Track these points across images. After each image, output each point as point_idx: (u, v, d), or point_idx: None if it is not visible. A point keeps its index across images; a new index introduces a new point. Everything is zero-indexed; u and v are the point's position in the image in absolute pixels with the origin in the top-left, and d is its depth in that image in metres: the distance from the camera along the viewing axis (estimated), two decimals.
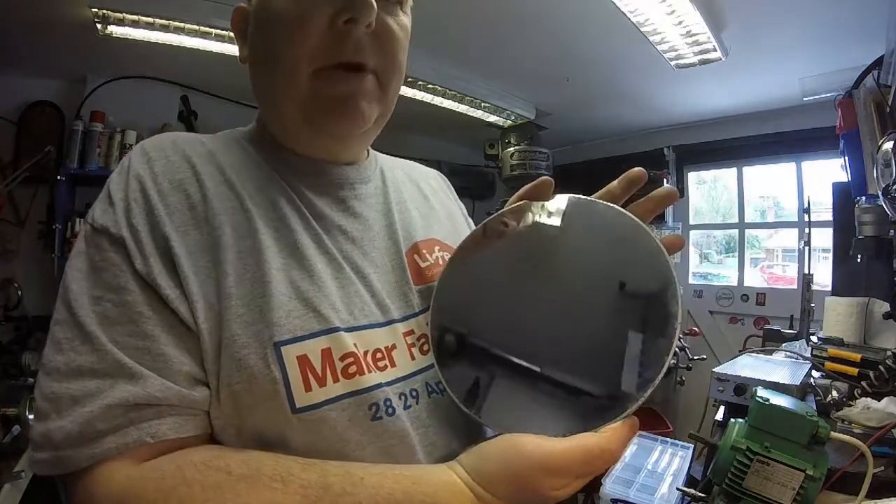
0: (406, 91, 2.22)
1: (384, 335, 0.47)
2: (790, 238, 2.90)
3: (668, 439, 1.85)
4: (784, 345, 1.69)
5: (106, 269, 0.42)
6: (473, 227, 0.68)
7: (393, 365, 0.47)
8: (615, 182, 0.51)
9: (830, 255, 2.11)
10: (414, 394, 0.47)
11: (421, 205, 0.62)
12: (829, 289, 2.00)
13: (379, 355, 0.46)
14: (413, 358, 0.48)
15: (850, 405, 1.11)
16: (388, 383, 0.45)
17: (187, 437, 0.39)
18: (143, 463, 0.38)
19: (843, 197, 1.82)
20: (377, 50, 0.48)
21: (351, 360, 0.43)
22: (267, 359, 0.40)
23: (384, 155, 0.64)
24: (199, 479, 0.36)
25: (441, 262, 0.56)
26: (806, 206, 2.23)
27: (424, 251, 0.56)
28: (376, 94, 0.50)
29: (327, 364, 0.42)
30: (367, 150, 0.60)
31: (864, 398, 1.12)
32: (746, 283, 2.94)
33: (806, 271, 2.10)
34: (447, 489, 0.39)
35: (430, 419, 0.47)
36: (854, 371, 1.22)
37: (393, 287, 0.51)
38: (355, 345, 0.44)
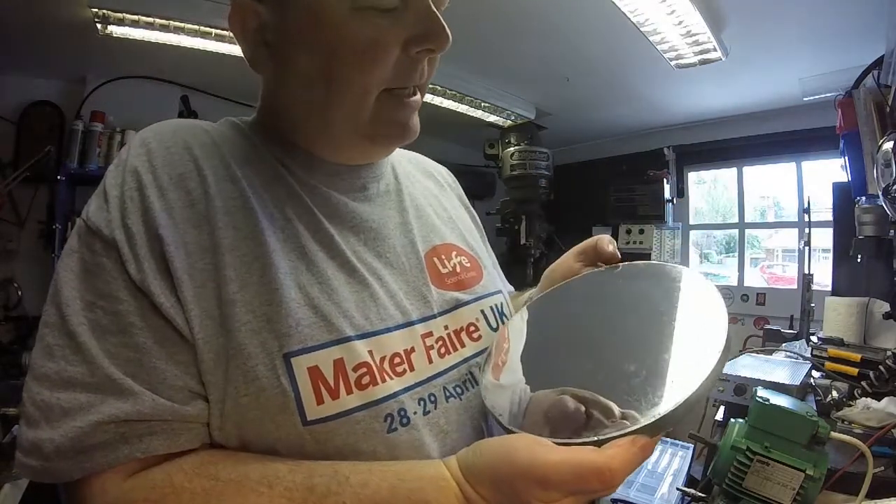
0: None
1: (402, 338, 0.46)
2: (790, 238, 2.89)
3: (668, 439, 1.84)
4: (784, 345, 1.69)
5: (98, 275, 0.40)
6: (480, 227, 0.68)
7: (412, 369, 0.46)
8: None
9: (830, 255, 2.11)
10: (433, 398, 0.46)
11: (435, 202, 0.62)
12: (829, 289, 2.00)
13: (397, 360, 0.45)
14: (431, 361, 0.47)
15: (850, 405, 1.12)
16: (406, 389, 0.44)
17: (180, 452, 0.39)
18: (134, 474, 0.37)
19: (843, 197, 1.82)
20: (430, 70, 0.50)
21: (364, 370, 0.42)
22: (276, 371, 0.39)
23: None
24: (188, 486, 0.36)
25: (459, 268, 0.56)
26: (806, 206, 2.23)
27: (443, 256, 0.55)
28: (420, 105, 0.51)
29: (340, 375, 0.41)
30: None
31: (864, 398, 1.12)
32: (746, 283, 2.93)
33: (806, 271, 2.10)
34: (433, 484, 0.38)
35: (449, 425, 0.46)
36: (854, 371, 1.22)
37: (410, 288, 0.50)
38: (370, 352, 0.43)
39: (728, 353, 0.39)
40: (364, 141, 0.50)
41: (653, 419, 0.35)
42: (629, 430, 0.35)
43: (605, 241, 0.55)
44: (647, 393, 0.37)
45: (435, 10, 0.46)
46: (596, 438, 0.36)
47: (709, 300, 0.44)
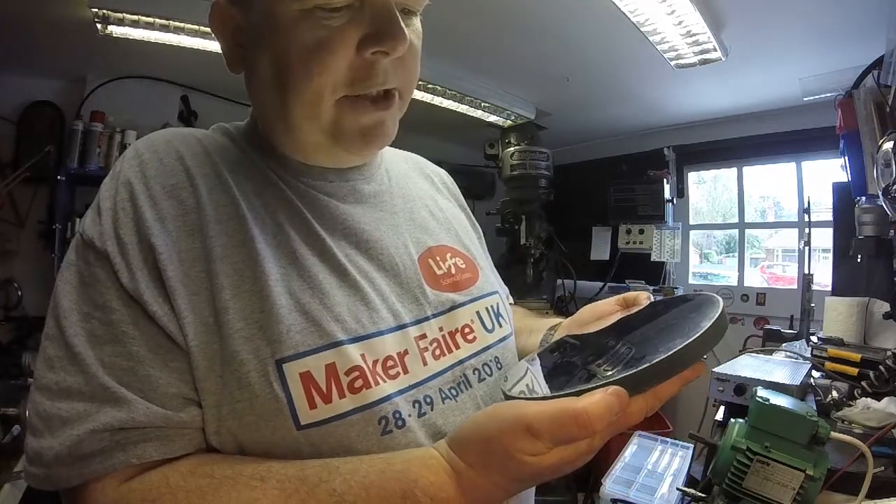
0: None
1: (395, 341, 0.46)
2: (790, 238, 2.89)
3: (668, 439, 1.85)
4: (784, 345, 1.69)
5: (93, 286, 0.41)
6: (478, 230, 0.68)
7: (406, 371, 0.46)
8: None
9: (830, 255, 2.11)
10: (428, 400, 0.46)
11: (431, 203, 0.61)
12: (829, 289, 2.00)
13: (390, 363, 0.45)
14: (425, 363, 0.48)
15: (850, 405, 1.12)
16: (400, 392, 0.44)
17: (174, 457, 0.39)
18: (132, 478, 0.38)
19: (843, 197, 1.82)
20: (402, 71, 0.47)
21: (357, 374, 0.42)
22: (269, 377, 0.39)
23: (387, 147, 0.64)
24: (183, 485, 0.36)
25: (454, 269, 0.55)
26: (806, 206, 2.23)
27: (438, 258, 0.55)
28: (399, 110, 0.50)
29: (332, 380, 0.41)
30: None
31: (864, 398, 1.12)
32: (746, 283, 2.93)
33: (806, 271, 2.10)
34: (420, 462, 0.39)
35: (446, 426, 0.46)
36: (854, 371, 1.22)
37: (403, 290, 0.50)
38: (362, 356, 0.43)
39: (718, 333, 0.39)
40: (333, 145, 0.49)
41: (628, 372, 0.37)
42: (606, 381, 0.37)
43: (642, 296, 0.57)
44: (638, 362, 0.40)
45: (394, 8, 0.43)
46: (575, 390, 0.37)
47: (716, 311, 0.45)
